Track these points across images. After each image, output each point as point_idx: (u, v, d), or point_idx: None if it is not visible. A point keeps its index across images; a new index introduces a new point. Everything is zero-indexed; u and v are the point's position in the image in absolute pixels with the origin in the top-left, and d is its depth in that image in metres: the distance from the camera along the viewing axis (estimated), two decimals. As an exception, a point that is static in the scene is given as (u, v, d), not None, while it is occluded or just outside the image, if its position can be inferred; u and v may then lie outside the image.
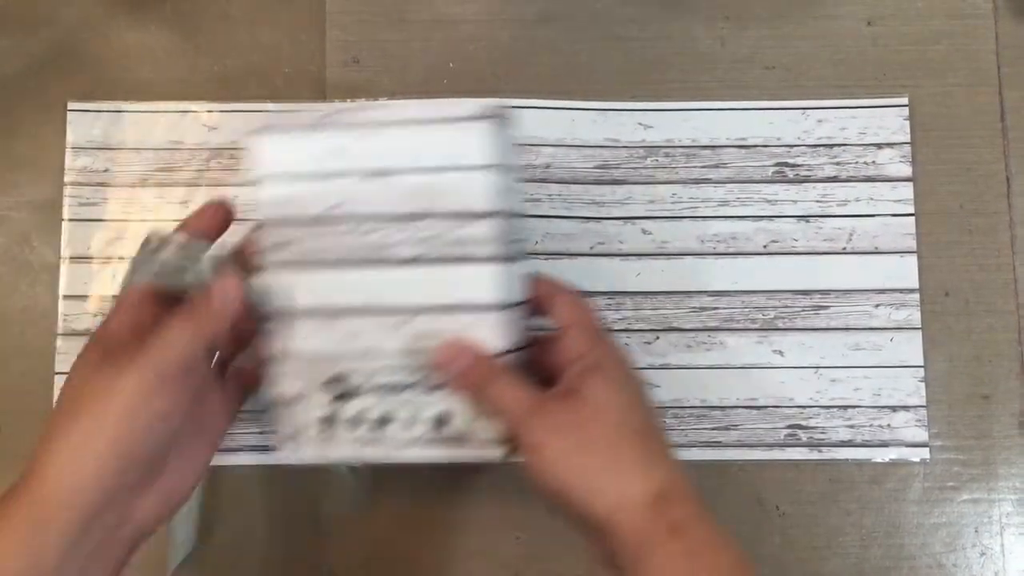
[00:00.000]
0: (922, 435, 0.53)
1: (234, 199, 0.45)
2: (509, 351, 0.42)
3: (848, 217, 0.55)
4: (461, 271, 0.42)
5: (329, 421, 0.44)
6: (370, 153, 0.42)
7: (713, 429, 0.53)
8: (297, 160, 0.43)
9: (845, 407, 0.53)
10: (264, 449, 0.53)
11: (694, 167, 0.55)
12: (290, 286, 0.43)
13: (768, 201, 0.55)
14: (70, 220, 0.55)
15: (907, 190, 0.55)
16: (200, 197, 0.55)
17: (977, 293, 0.54)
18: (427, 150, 0.42)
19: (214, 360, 0.44)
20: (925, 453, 0.53)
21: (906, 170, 0.55)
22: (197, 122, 0.56)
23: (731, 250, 0.55)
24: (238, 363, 0.46)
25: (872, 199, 0.55)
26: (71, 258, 0.55)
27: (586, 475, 0.38)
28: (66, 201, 0.55)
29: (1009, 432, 0.53)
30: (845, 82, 0.56)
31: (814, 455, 0.53)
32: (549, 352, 0.43)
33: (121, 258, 0.54)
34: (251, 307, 0.43)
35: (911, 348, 0.54)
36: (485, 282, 0.42)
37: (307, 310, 0.43)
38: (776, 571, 0.52)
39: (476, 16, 0.57)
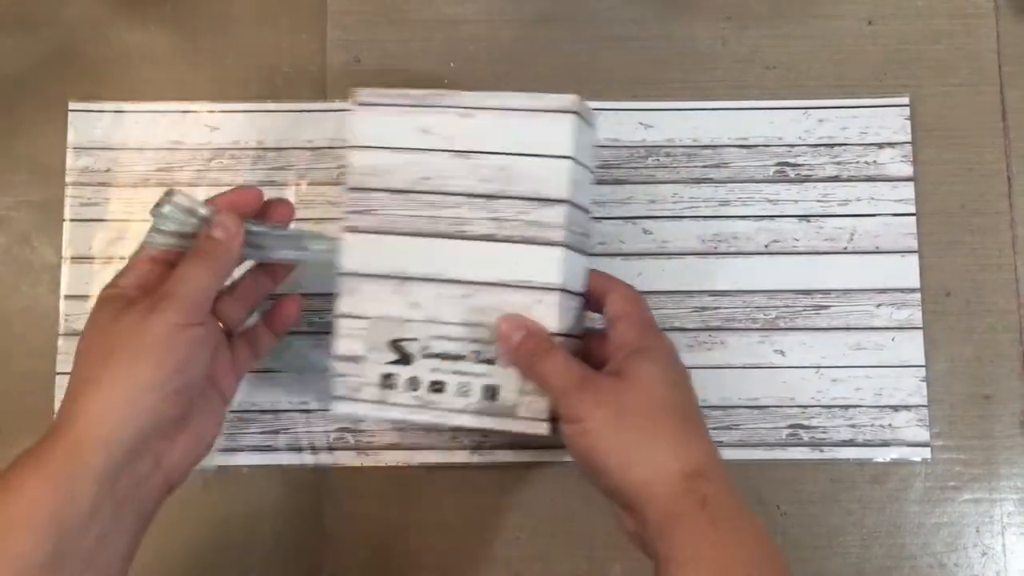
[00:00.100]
0: (923, 435, 0.53)
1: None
2: (564, 334, 0.45)
3: (849, 217, 0.55)
4: (527, 251, 0.44)
5: (386, 383, 0.46)
6: (458, 134, 0.45)
7: (714, 429, 0.53)
8: (391, 134, 0.46)
9: (846, 407, 0.53)
10: (265, 449, 0.53)
11: (695, 167, 0.55)
12: (367, 250, 0.46)
13: (769, 201, 0.55)
14: (71, 220, 0.55)
15: (908, 190, 0.55)
16: (201, 197, 0.55)
17: (978, 293, 0.54)
18: (511, 136, 0.45)
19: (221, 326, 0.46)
20: (926, 453, 0.53)
21: (907, 170, 0.55)
22: (198, 122, 0.56)
23: (732, 250, 0.55)
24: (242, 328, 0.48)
25: (873, 199, 0.55)
26: (72, 258, 0.55)
27: (622, 448, 0.40)
28: (67, 201, 0.55)
29: (1010, 432, 0.53)
30: (846, 82, 0.56)
31: (816, 455, 0.53)
32: (601, 345, 0.45)
33: (122, 258, 0.54)
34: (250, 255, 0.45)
35: (912, 348, 0.54)
36: (548, 264, 0.44)
37: (379, 275, 0.46)
38: (777, 571, 0.52)
39: (477, 16, 0.57)
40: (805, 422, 0.53)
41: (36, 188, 0.56)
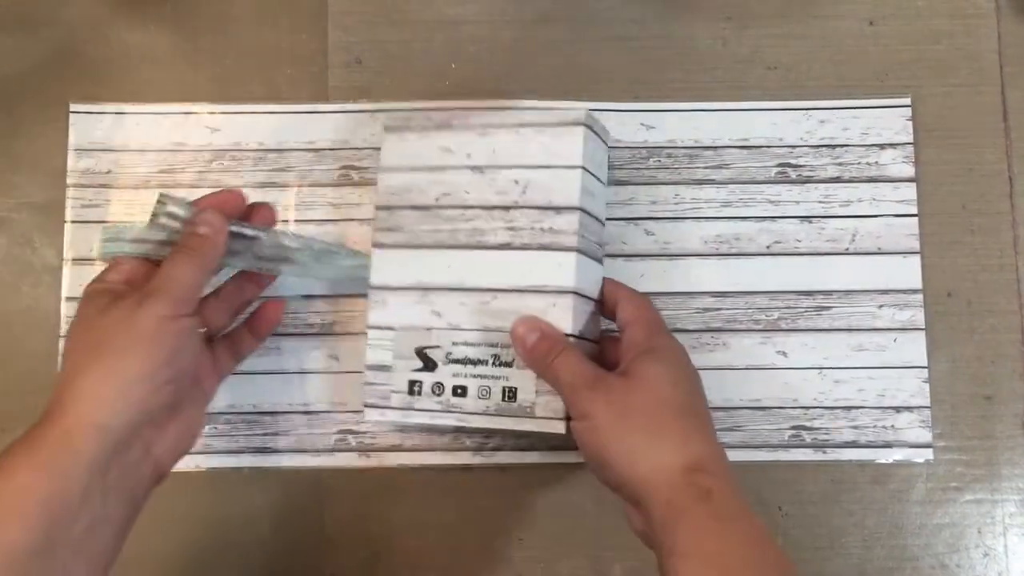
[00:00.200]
0: (926, 436, 0.53)
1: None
2: (578, 336, 0.47)
3: (851, 218, 0.55)
4: (542, 257, 0.47)
5: (412, 390, 0.48)
6: (477, 152, 0.48)
7: (717, 430, 0.52)
8: (416, 155, 0.49)
9: (849, 408, 0.53)
10: (265, 451, 0.53)
11: (696, 168, 0.55)
12: (393, 265, 0.49)
13: (771, 202, 0.55)
14: (72, 222, 0.55)
15: (910, 190, 0.55)
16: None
17: (980, 293, 0.54)
18: (525, 150, 0.48)
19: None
20: (929, 454, 0.53)
21: (909, 170, 0.55)
22: (199, 123, 0.56)
23: (734, 251, 0.55)
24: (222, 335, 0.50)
25: (875, 200, 0.55)
26: (73, 260, 0.55)
27: (628, 442, 0.41)
28: (68, 203, 0.55)
29: (1012, 432, 0.53)
30: (847, 82, 0.56)
31: (818, 456, 0.53)
32: (615, 348, 0.47)
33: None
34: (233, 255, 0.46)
35: (914, 349, 0.54)
36: (562, 269, 0.47)
37: (404, 287, 0.48)
38: (779, 572, 0.52)
39: (478, 17, 0.57)
40: (807, 423, 0.53)
41: (37, 189, 0.55)
